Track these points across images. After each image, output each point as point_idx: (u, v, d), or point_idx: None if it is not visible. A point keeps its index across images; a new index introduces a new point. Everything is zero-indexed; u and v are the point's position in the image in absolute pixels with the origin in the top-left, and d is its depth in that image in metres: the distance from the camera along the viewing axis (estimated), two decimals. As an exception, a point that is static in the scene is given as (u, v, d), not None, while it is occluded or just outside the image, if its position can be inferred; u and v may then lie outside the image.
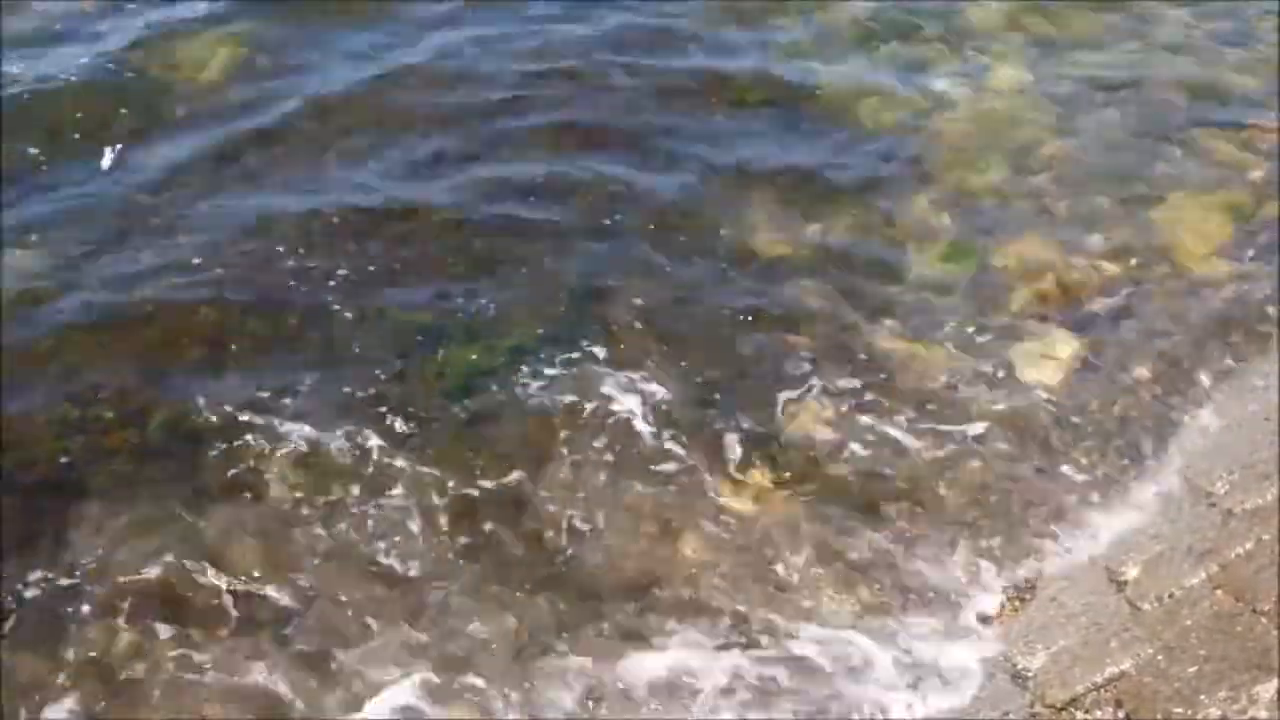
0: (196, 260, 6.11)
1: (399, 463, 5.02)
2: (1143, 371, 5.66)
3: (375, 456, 5.05)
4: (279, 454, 5.05)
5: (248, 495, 4.91)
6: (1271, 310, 6.02)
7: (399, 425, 5.21)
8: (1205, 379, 5.63)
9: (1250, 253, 6.46)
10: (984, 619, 4.53)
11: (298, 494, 4.92)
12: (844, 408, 5.38)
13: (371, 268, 6.09)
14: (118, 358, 5.52)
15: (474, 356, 5.57)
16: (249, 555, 4.67)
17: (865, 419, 5.33)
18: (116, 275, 6.00)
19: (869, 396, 5.45)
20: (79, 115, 7.22)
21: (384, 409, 5.28)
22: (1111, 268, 6.33)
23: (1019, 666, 4.29)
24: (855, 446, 5.20)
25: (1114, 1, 8.92)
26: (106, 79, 7.59)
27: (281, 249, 6.17)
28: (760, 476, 5.03)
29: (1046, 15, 8.77)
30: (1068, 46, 8.41)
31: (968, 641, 4.45)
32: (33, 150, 6.90)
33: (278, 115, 7.27)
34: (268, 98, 7.47)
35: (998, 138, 7.37)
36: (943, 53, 8.29)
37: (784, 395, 5.43)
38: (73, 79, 7.53)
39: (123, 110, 7.30)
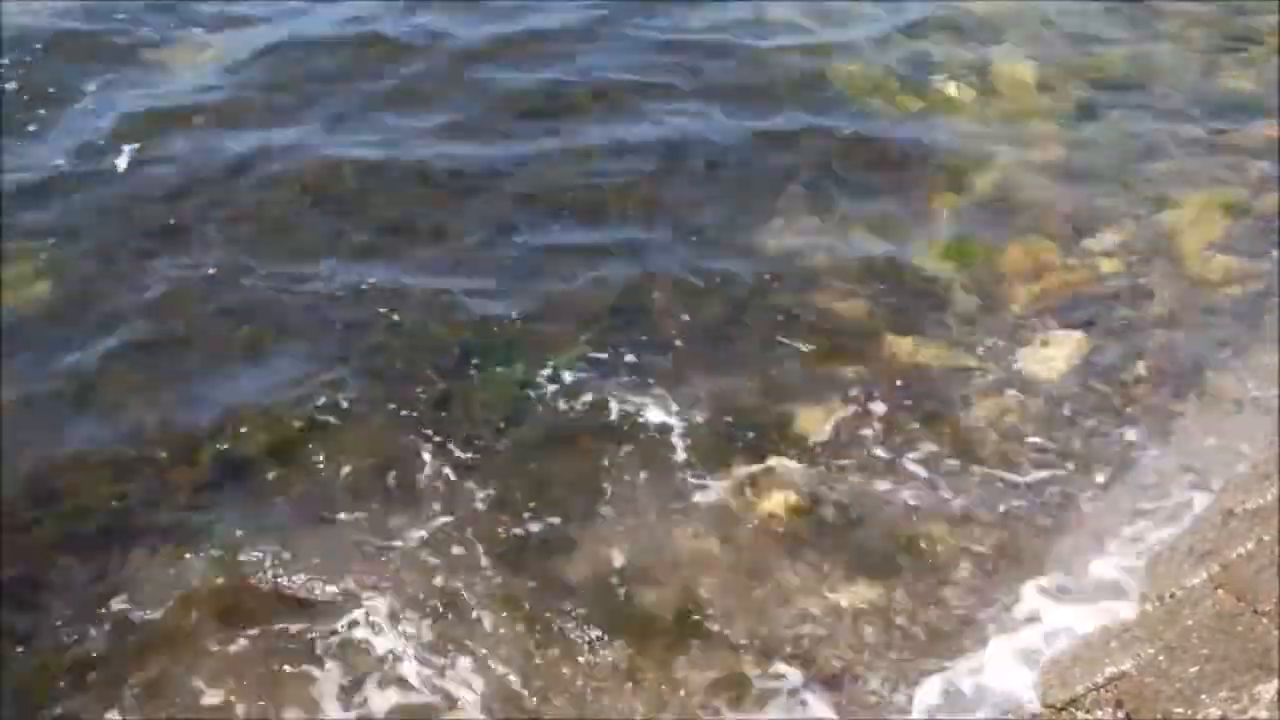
0: (225, 275, 6.03)
1: (452, 486, 4.93)
2: (1144, 369, 5.67)
3: (427, 479, 4.98)
4: (335, 478, 4.98)
5: (307, 523, 4.79)
6: (1272, 307, 6.01)
7: (451, 447, 5.11)
8: (1206, 377, 5.62)
9: (1251, 250, 6.48)
10: (987, 619, 4.52)
11: (358, 515, 4.84)
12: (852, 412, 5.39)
13: (409, 280, 6.03)
14: (161, 387, 5.38)
15: (516, 374, 5.51)
16: (317, 585, 4.57)
17: (876, 428, 5.34)
18: (144, 296, 5.88)
19: (880, 402, 5.46)
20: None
21: (431, 431, 5.18)
22: (1113, 265, 6.35)
23: (1021, 665, 4.28)
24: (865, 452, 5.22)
25: (1116, 1, 8.93)
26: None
27: (314, 263, 6.12)
28: (783, 498, 4.99)
29: (1049, 13, 8.78)
30: (1071, 44, 8.41)
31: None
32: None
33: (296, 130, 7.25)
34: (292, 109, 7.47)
35: (1001, 135, 7.36)
36: (947, 50, 8.29)
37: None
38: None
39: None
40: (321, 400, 5.30)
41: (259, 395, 5.33)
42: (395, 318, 5.79)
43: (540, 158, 7.03)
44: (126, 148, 6.91)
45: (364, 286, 5.98)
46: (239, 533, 4.71)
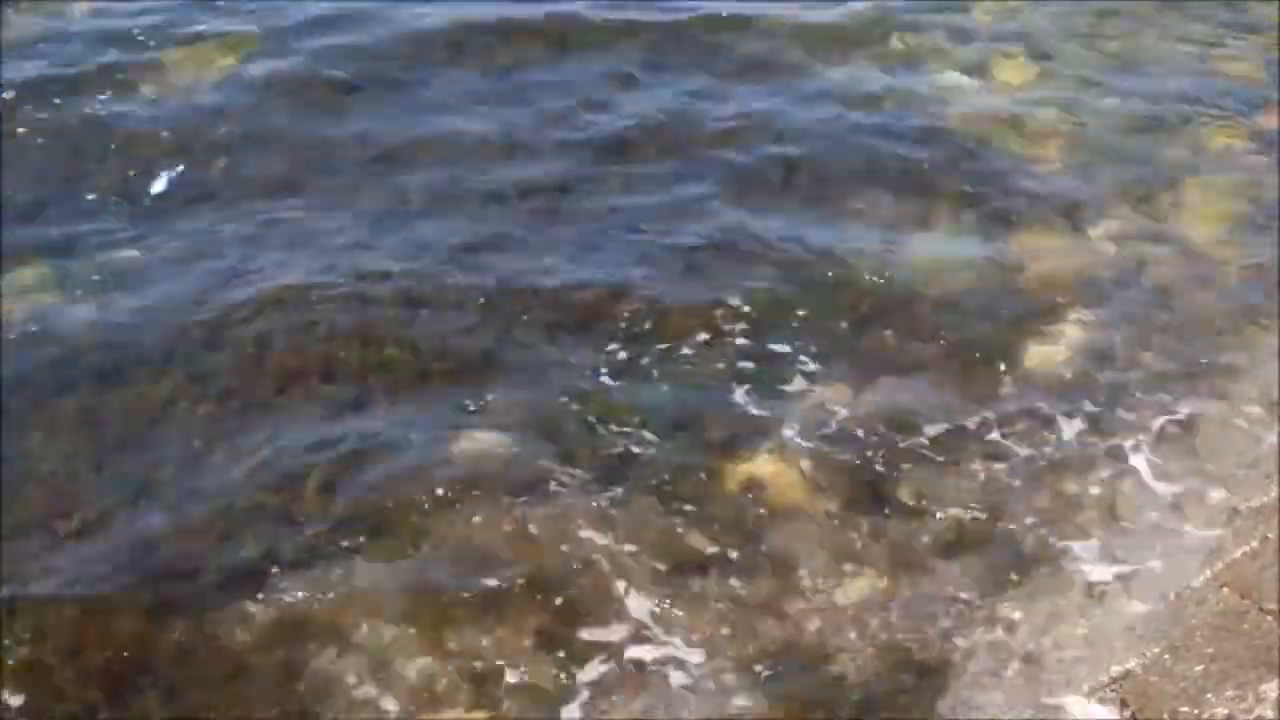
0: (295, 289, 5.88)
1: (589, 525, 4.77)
2: (1149, 361, 5.64)
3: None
4: (454, 503, 4.82)
5: (442, 552, 4.65)
6: (1275, 295, 6.01)
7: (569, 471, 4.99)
8: (1210, 369, 5.60)
9: (1255, 240, 6.45)
10: (990, 616, 4.51)
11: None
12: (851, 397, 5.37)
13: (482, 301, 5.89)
14: (272, 416, 5.21)
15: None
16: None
17: (873, 411, 5.31)
18: (212, 317, 5.71)
19: (871, 389, 5.43)
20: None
21: (547, 460, 5.03)
22: (1118, 256, 6.32)
23: (1025, 665, 4.28)
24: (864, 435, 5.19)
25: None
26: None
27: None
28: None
29: (1051, 10, 8.77)
30: (1072, 39, 8.40)
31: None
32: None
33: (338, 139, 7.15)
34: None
35: (1005, 127, 7.35)
36: (948, 47, 8.27)
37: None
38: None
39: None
40: (415, 414, 5.26)
41: (353, 415, 5.24)
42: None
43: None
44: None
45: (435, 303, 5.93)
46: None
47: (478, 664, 4.23)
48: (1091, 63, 8.09)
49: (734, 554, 4.67)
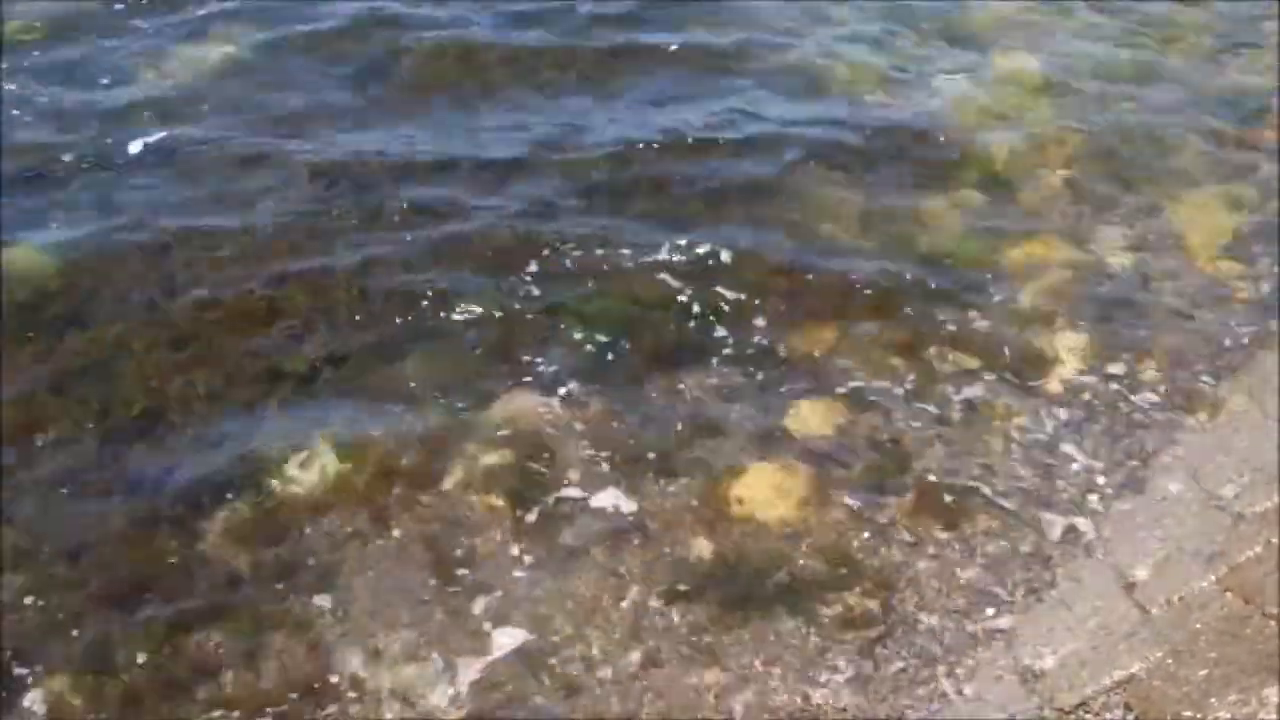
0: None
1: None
2: (1150, 370, 5.65)
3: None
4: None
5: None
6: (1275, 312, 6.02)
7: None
8: (1214, 377, 5.61)
9: (1258, 250, 6.46)
10: (995, 622, 4.51)
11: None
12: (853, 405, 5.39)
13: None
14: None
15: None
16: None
17: (871, 418, 5.33)
18: None
19: (873, 396, 5.44)
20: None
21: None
22: (1119, 265, 6.33)
23: (1028, 669, 4.28)
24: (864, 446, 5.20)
25: (1121, 2, 8.94)
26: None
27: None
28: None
29: (1052, 12, 8.79)
30: (1073, 43, 8.41)
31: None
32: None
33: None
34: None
35: (1004, 134, 7.36)
36: (948, 49, 8.29)
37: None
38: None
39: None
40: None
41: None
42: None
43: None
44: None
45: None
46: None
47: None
48: (1093, 71, 8.10)
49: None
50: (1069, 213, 6.73)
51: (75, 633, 4.32)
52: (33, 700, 4.10)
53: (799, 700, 4.19)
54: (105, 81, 7.52)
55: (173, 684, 4.17)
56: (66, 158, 6.73)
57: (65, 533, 4.66)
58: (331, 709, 4.13)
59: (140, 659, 4.24)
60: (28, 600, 4.41)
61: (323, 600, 4.48)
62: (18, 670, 4.19)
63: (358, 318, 5.75)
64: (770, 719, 4.14)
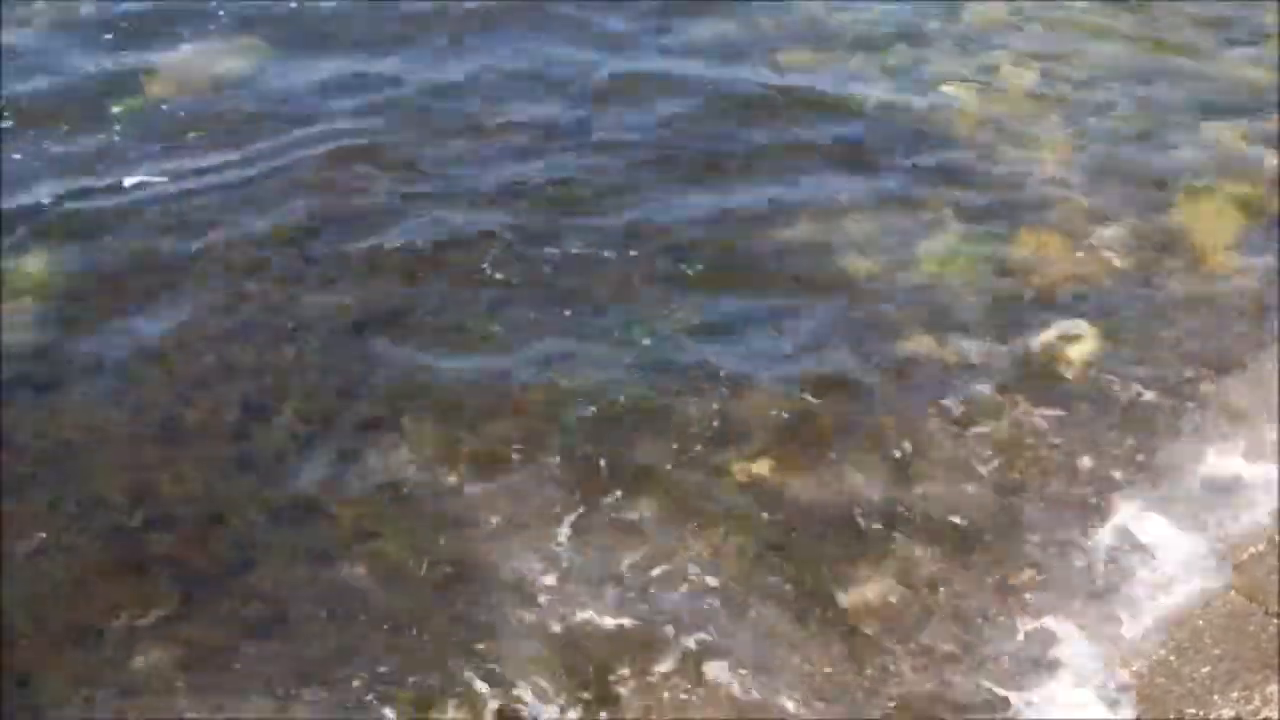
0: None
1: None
2: (1153, 367, 5.65)
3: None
4: None
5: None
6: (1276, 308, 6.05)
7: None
8: (1218, 374, 5.61)
9: (1261, 246, 6.47)
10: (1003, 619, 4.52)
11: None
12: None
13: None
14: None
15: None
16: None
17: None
18: None
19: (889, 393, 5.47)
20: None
21: None
22: (1125, 262, 6.34)
23: (1034, 665, 4.29)
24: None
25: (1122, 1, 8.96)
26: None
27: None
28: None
29: (1054, 13, 8.81)
30: (1076, 43, 8.44)
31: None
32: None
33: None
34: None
35: (1009, 133, 7.39)
36: (951, 51, 8.31)
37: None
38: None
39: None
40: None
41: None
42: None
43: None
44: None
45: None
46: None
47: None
48: (1096, 68, 8.12)
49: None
50: (1071, 209, 6.76)
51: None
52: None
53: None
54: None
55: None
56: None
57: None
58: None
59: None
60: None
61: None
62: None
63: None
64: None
